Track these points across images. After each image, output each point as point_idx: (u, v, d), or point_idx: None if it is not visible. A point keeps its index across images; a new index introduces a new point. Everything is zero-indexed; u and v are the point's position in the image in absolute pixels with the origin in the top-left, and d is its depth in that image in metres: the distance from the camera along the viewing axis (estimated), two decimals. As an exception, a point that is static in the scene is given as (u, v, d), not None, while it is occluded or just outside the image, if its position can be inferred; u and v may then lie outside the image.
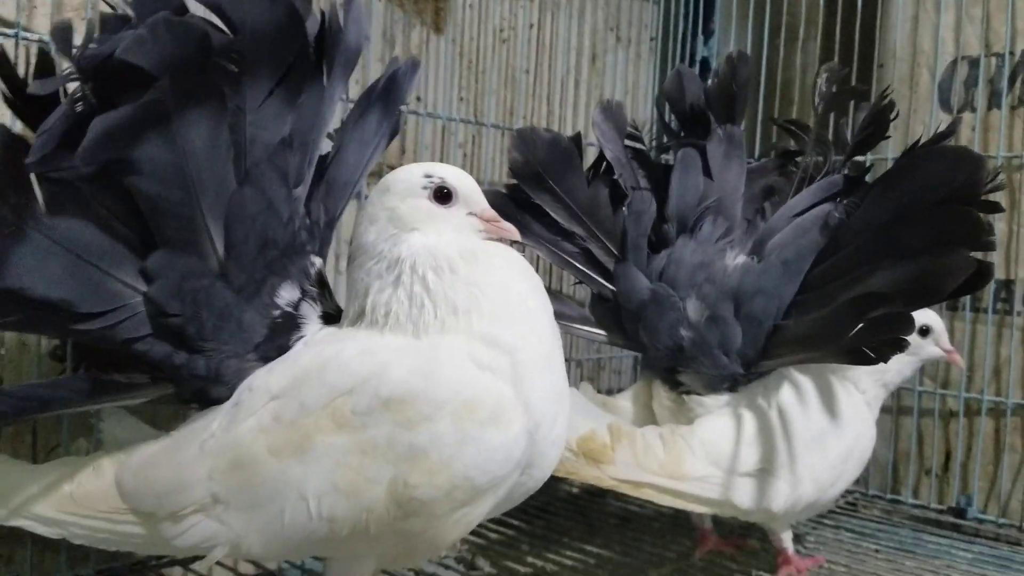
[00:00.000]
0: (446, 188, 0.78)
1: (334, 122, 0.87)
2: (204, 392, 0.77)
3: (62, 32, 0.69)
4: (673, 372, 1.07)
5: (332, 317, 0.82)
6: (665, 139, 1.21)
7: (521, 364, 0.76)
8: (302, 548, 0.77)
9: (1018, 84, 1.39)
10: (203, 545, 0.75)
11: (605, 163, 1.11)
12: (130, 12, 0.70)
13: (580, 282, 1.12)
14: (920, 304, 0.85)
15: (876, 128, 1.06)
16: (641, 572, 1.09)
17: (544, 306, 0.80)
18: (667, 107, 1.17)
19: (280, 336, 0.78)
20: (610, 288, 1.10)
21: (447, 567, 1.13)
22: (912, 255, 0.87)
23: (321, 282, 0.82)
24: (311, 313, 0.80)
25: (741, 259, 1.05)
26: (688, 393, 1.06)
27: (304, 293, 0.80)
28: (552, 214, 1.09)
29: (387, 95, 0.87)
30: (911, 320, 0.84)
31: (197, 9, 0.72)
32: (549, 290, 1.13)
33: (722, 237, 1.07)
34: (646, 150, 1.14)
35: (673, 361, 1.06)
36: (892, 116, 1.06)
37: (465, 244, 0.79)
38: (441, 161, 1.30)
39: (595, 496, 1.39)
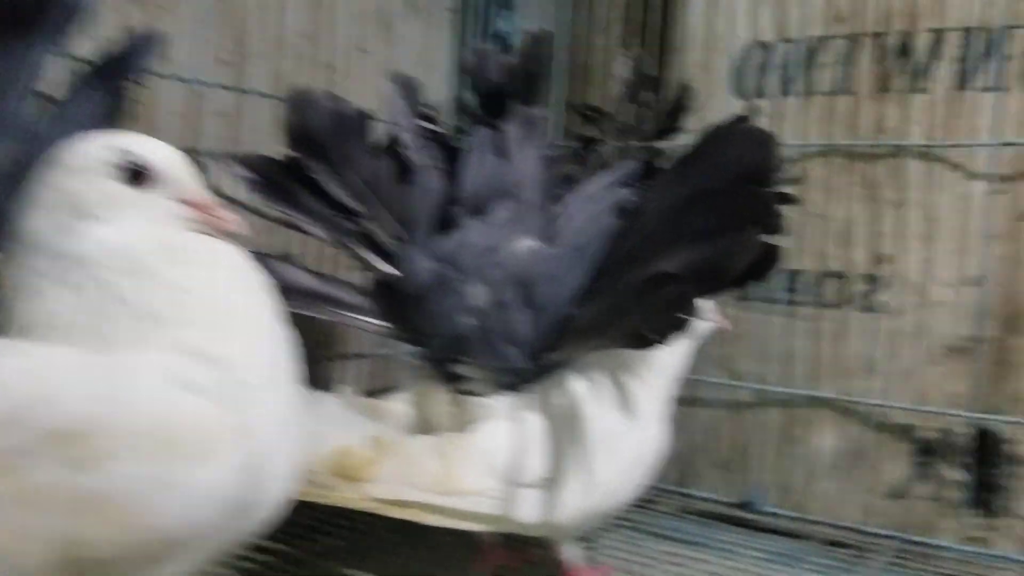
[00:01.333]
0: (141, 167, 0.62)
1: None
2: None
3: None
4: (453, 369, 0.96)
5: None
6: (461, 120, 1.12)
7: (239, 383, 0.61)
8: None
9: (809, 70, 1.37)
10: None
11: (394, 141, 1.00)
12: None
13: (361, 267, 1.01)
14: (708, 286, 0.78)
15: (675, 117, 1.02)
16: (416, 595, 0.98)
17: (269, 312, 0.66)
18: (466, 84, 1.08)
19: None
20: (392, 272, 0.98)
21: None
22: (702, 238, 0.80)
23: None
24: None
25: (533, 244, 0.96)
26: (469, 394, 0.96)
27: None
28: (330, 186, 0.96)
29: (112, 71, 0.72)
30: (693, 299, 0.77)
31: None
32: (323, 274, 1.02)
33: (514, 223, 0.98)
34: (441, 131, 1.05)
35: (454, 354, 0.95)
36: (690, 105, 1.02)
37: (166, 239, 0.63)
38: (196, 133, 1.14)
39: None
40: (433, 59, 1.55)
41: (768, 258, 0.78)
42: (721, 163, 0.82)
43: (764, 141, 0.81)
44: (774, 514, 1.36)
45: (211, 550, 0.62)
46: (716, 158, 0.83)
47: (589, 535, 1.21)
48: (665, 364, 1.04)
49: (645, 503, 1.40)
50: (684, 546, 1.23)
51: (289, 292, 0.95)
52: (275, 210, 0.98)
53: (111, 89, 0.78)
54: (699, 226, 0.80)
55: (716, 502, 1.40)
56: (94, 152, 0.62)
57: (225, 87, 1.20)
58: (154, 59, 0.87)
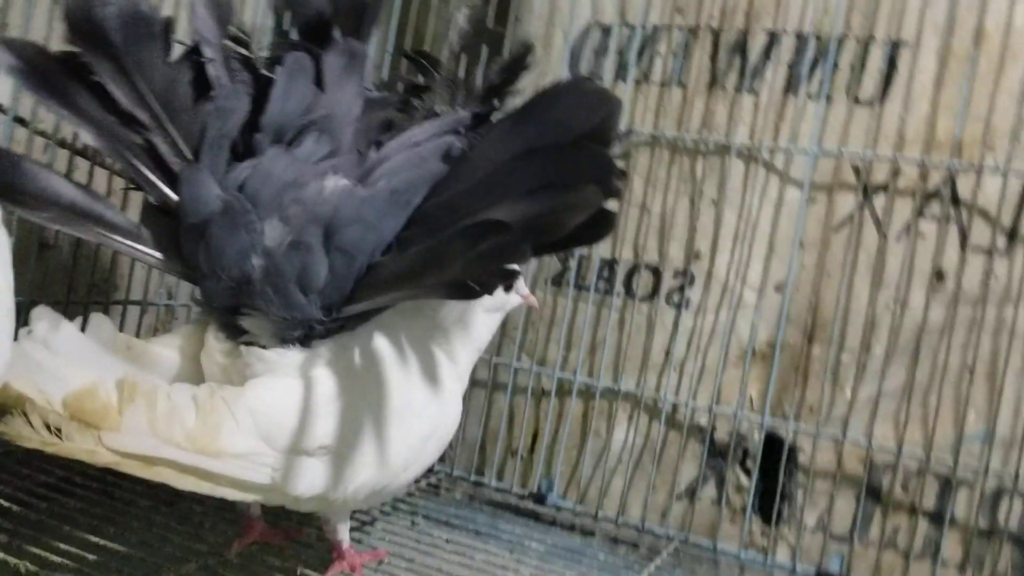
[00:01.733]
0: None
1: None
2: None
3: None
4: (234, 314, 0.84)
5: None
6: (276, 48, 1.00)
7: None
8: None
9: (644, 59, 1.35)
10: None
11: (195, 53, 0.87)
12: None
13: (135, 186, 0.87)
14: (540, 238, 0.71)
15: (510, 75, 0.93)
16: (156, 570, 0.85)
17: None
18: (285, 6, 0.98)
19: None
20: (172, 197, 0.85)
21: None
22: (535, 191, 0.74)
23: None
24: None
25: (342, 183, 0.85)
26: (249, 345, 0.84)
27: None
28: (111, 88, 0.83)
29: None
30: (526, 249, 0.70)
31: None
32: (91, 190, 0.88)
33: (325, 159, 0.87)
34: (250, 57, 0.92)
35: (236, 298, 0.83)
36: (525, 66, 0.94)
37: None
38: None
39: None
40: None
41: (600, 221, 0.72)
42: (561, 119, 0.76)
43: (608, 101, 0.76)
44: (563, 508, 1.32)
45: None
46: (557, 113, 0.76)
47: (369, 517, 1.12)
48: (471, 339, 0.96)
49: (433, 488, 1.32)
50: (469, 535, 1.16)
51: (49, 204, 0.81)
52: (45, 104, 0.84)
53: None
54: (532, 180, 0.74)
55: (507, 492, 1.34)
56: None
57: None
58: None
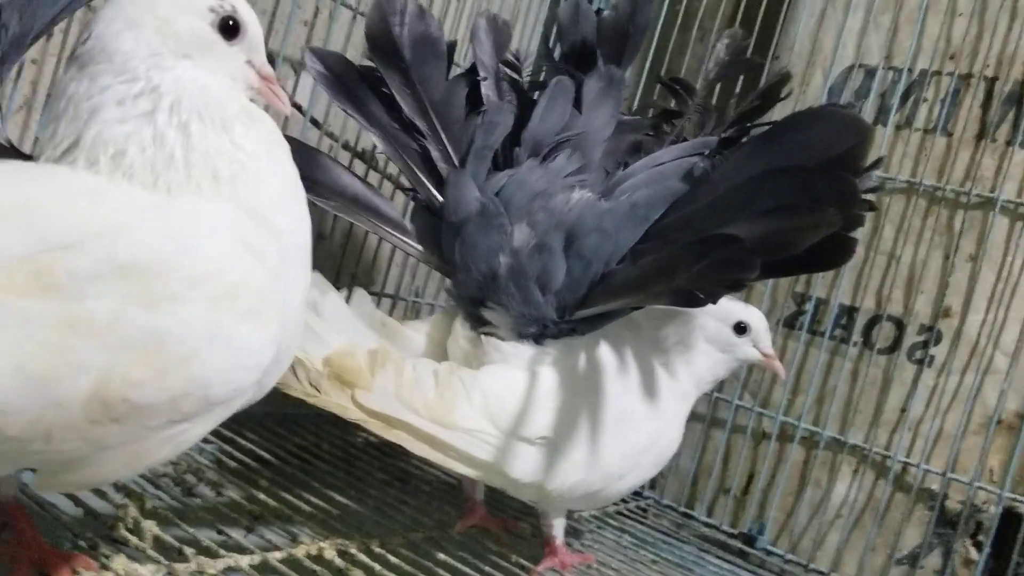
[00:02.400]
0: (236, 20, 0.61)
1: None
2: None
3: None
4: (480, 307, 0.92)
5: (4, 150, 0.61)
6: (544, 74, 1.09)
7: (287, 254, 0.61)
8: None
9: (909, 104, 1.31)
10: None
11: (472, 72, 0.98)
12: None
13: (410, 189, 0.98)
14: (771, 255, 0.73)
15: (763, 103, 0.96)
16: (389, 534, 0.93)
17: (303, 206, 0.65)
18: (556, 37, 1.06)
19: None
20: (439, 198, 0.95)
21: (159, 485, 0.94)
22: (775, 210, 0.76)
23: None
24: None
25: (587, 195, 0.92)
26: (490, 335, 0.91)
27: None
28: (399, 99, 0.95)
29: None
30: (755, 264, 0.72)
31: None
32: (371, 184, 0.99)
33: (574, 174, 0.95)
34: (519, 80, 1.02)
35: (483, 291, 0.91)
36: (784, 94, 0.97)
37: (239, 95, 0.63)
38: (281, 38, 1.11)
39: (369, 448, 1.23)
40: (527, 15, 1.51)
41: (839, 247, 0.73)
42: (809, 142, 0.77)
43: (859, 128, 0.76)
44: (773, 553, 1.29)
45: (226, 415, 0.60)
46: (805, 137, 0.78)
47: (580, 528, 1.16)
48: (692, 367, 0.96)
49: (642, 511, 1.34)
50: (674, 562, 1.16)
51: (337, 194, 0.93)
52: (341, 107, 0.96)
53: None
54: (772, 199, 0.76)
55: (717, 528, 1.34)
56: None
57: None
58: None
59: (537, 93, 1.02)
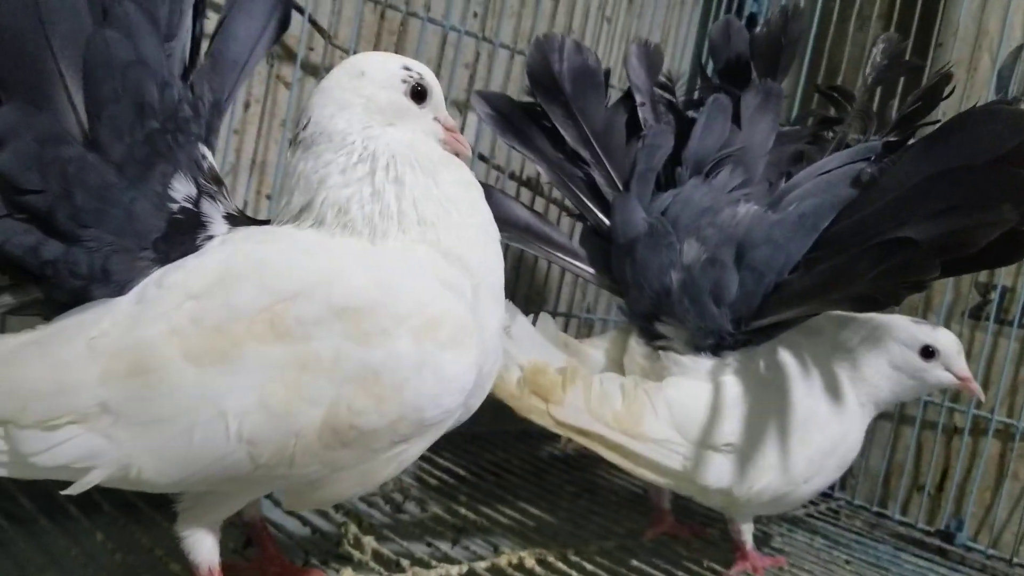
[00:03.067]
0: (423, 86, 0.71)
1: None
2: (85, 294, 0.64)
3: None
4: (654, 322, 0.96)
5: (237, 220, 0.70)
6: (698, 92, 1.11)
7: (482, 289, 0.68)
8: (205, 474, 0.63)
9: (1087, 78, 1.25)
10: (77, 465, 0.61)
11: (629, 98, 1.02)
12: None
13: (578, 214, 1.03)
14: (949, 255, 0.74)
15: (925, 104, 0.95)
16: (584, 542, 0.98)
17: (497, 235, 0.73)
18: (709, 55, 1.08)
19: (182, 235, 0.67)
20: (606, 222, 1.00)
21: (372, 504, 1.03)
22: (948, 210, 0.76)
23: (216, 179, 0.72)
24: (214, 213, 0.69)
25: (754, 208, 0.94)
26: (666, 349, 0.95)
27: (200, 189, 0.69)
28: (561, 130, 1.00)
29: None
30: (934, 266, 0.73)
31: None
32: (540, 213, 1.05)
33: (738, 188, 0.97)
34: (675, 101, 1.05)
35: (657, 308, 0.95)
36: (946, 94, 0.95)
37: (436, 148, 0.71)
38: (446, 81, 1.19)
39: (556, 462, 1.29)
40: (676, 35, 1.54)
41: (1016, 242, 0.73)
42: (975, 142, 0.77)
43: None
44: (973, 549, 1.26)
45: (439, 434, 0.68)
46: (970, 137, 0.78)
47: (770, 531, 1.17)
48: (882, 393, 0.96)
49: (833, 513, 1.33)
50: (869, 562, 1.16)
51: (510, 225, 1.00)
52: (508, 144, 1.02)
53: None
54: (943, 199, 0.77)
55: (912, 527, 1.31)
56: (393, 68, 0.70)
57: (473, 35, 1.24)
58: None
59: (693, 112, 1.04)
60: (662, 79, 1.06)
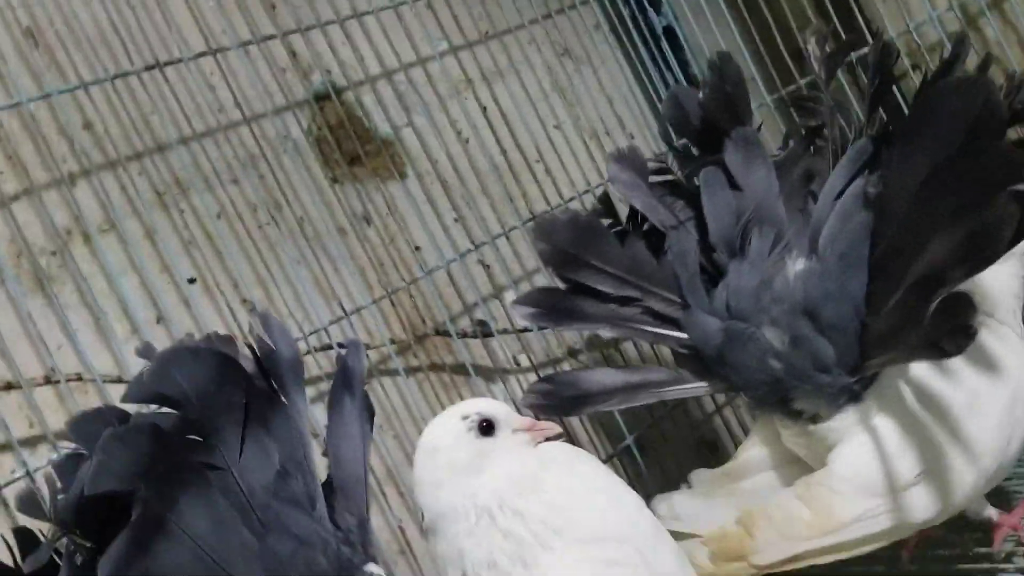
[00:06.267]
0: (486, 420, 0.77)
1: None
2: None
3: (28, 501, 0.68)
4: (787, 404, 0.98)
5: None
6: (684, 166, 1.10)
7: (640, 544, 0.74)
8: None
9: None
10: None
11: (634, 215, 1.05)
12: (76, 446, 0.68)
13: (654, 344, 1.06)
14: (981, 268, 0.76)
15: (883, 79, 0.96)
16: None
17: (624, 488, 0.79)
18: (672, 132, 1.10)
19: None
20: (686, 339, 1.02)
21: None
22: (956, 214, 0.78)
23: None
24: None
25: (800, 265, 0.95)
26: (812, 421, 0.97)
27: None
28: (599, 287, 1.03)
29: (348, 384, 0.82)
30: (970, 301, 0.75)
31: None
32: (623, 365, 1.07)
33: (774, 247, 0.98)
34: (677, 179, 1.07)
35: (778, 392, 0.98)
36: (893, 59, 0.96)
37: (529, 459, 0.77)
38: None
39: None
40: (619, 90, 1.51)
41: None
42: (944, 126, 0.78)
43: (977, 86, 0.76)
44: None
45: None
46: (937, 122, 0.80)
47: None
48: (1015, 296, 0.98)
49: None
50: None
51: (608, 395, 1.04)
52: (563, 329, 1.06)
53: (354, 394, 0.82)
54: (946, 202, 0.78)
55: None
56: (455, 426, 0.77)
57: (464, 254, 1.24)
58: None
59: (696, 179, 1.02)
60: (654, 164, 1.07)
